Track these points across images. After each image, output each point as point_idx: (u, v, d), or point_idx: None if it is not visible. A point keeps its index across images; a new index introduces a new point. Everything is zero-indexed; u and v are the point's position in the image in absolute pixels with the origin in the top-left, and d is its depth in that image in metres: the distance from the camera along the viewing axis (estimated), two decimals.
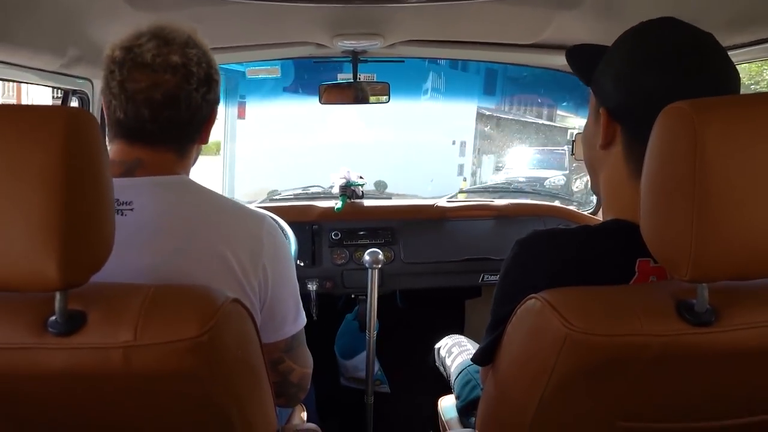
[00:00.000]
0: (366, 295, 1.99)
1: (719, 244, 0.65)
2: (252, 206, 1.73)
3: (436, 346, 1.70)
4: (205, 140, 1.07)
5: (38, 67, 1.33)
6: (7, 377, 0.72)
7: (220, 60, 2.32)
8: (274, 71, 2.64)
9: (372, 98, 2.16)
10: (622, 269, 0.84)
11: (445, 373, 1.61)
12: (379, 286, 1.97)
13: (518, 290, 0.83)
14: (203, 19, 1.62)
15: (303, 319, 1.14)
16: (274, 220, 1.82)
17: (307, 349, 1.21)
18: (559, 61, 2.02)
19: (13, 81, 1.43)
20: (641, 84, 0.84)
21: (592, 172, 1.01)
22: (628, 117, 0.87)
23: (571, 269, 0.84)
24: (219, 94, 1.06)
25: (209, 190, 1.03)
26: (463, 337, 1.67)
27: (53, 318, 0.69)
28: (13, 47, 1.22)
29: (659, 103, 0.71)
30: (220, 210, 1.01)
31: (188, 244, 0.93)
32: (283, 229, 1.86)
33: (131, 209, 0.90)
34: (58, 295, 0.68)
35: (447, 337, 1.69)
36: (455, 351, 1.59)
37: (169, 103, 0.95)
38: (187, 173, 1.06)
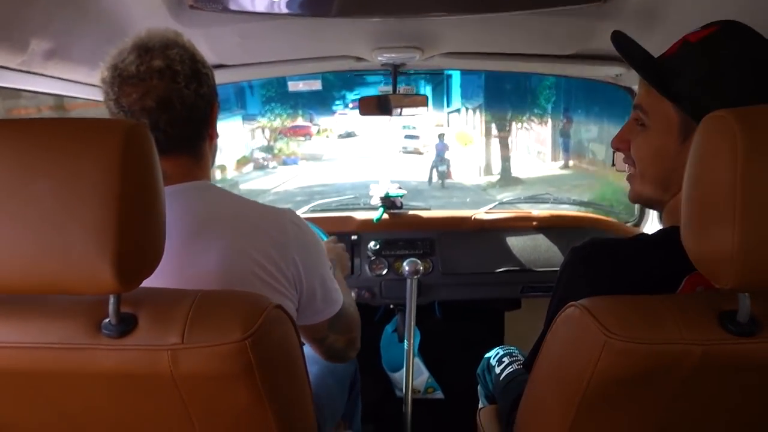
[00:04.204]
0: (404, 306, 2.00)
1: (762, 252, 0.64)
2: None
3: (486, 355, 1.69)
4: (214, 135, 1.10)
5: (96, 84, 1.40)
6: (62, 375, 0.76)
7: (262, 74, 2.38)
8: (315, 84, 2.69)
9: (410, 110, 2.17)
10: (671, 280, 0.83)
11: (490, 383, 1.60)
12: (417, 297, 1.98)
13: (571, 298, 0.82)
14: (248, 35, 1.67)
15: (339, 299, 1.18)
16: (311, 227, 1.85)
17: (350, 314, 1.25)
18: (601, 71, 2.01)
19: (76, 97, 1.50)
20: (738, 92, 0.84)
21: (662, 187, 0.98)
22: None
23: (623, 279, 0.84)
24: (213, 87, 1.08)
25: (231, 193, 1.07)
26: (514, 347, 1.66)
27: (107, 320, 0.73)
28: (72, 64, 1.28)
29: None
30: (245, 212, 1.04)
31: (220, 243, 0.97)
32: (322, 235, 1.89)
33: None
34: (111, 299, 0.71)
35: (498, 347, 1.68)
36: (506, 360, 1.57)
37: (163, 106, 0.98)
38: (208, 176, 1.10)
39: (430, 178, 13.62)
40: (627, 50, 1.00)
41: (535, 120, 14.27)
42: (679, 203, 0.92)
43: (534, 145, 14.63)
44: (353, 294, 2.20)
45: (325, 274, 1.12)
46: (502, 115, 15.38)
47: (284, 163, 20.64)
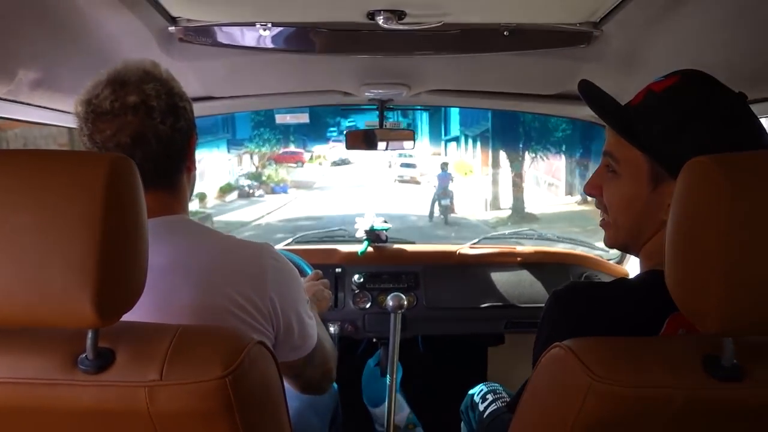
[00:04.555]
0: (388, 340, 1.98)
1: (746, 297, 0.65)
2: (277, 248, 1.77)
3: (471, 392, 1.68)
4: (191, 167, 1.08)
5: None
6: (36, 411, 0.74)
7: (250, 107, 2.40)
8: (302, 117, 2.71)
9: (396, 144, 2.19)
10: (652, 323, 0.83)
11: (474, 421, 1.58)
12: (401, 331, 1.97)
13: (553, 341, 0.82)
14: (237, 68, 1.69)
15: (314, 335, 1.16)
16: (296, 259, 1.84)
17: (326, 347, 1.23)
18: (582, 111, 2.05)
19: (66, 127, 1.50)
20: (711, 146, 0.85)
21: (635, 233, 0.98)
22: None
23: (604, 325, 0.84)
24: (191, 120, 1.06)
25: (208, 228, 1.06)
26: (498, 384, 1.65)
27: (83, 355, 0.71)
28: (60, 95, 1.28)
29: None
30: (222, 242, 1.04)
31: (197, 277, 0.96)
32: (306, 267, 1.88)
33: None
34: (90, 333, 0.70)
35: (482, 383, 1.67)
36: (490, 398, 1.56)
37: (138, 142, 0.96)
38: (185, 208, 1.08)
39: (432, 212, 12.66)
40: (594, 98, 1.02)
41: (548, 149, 13.04)
42: (656, 246, 0.93)
43: (544, 176, 13.65)
44: (336, 327, 2.18)
45: (302, 310, 1.10)
46: (510, 143, 14.03)
47: (273, 191, 19.80)
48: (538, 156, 13.43)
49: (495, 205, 13.89)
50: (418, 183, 19.44)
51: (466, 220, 12.78)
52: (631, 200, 0.96)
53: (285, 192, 19.67)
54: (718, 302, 0.65)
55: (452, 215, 12.77)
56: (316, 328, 1.17)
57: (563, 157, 12.91)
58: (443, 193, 12.65)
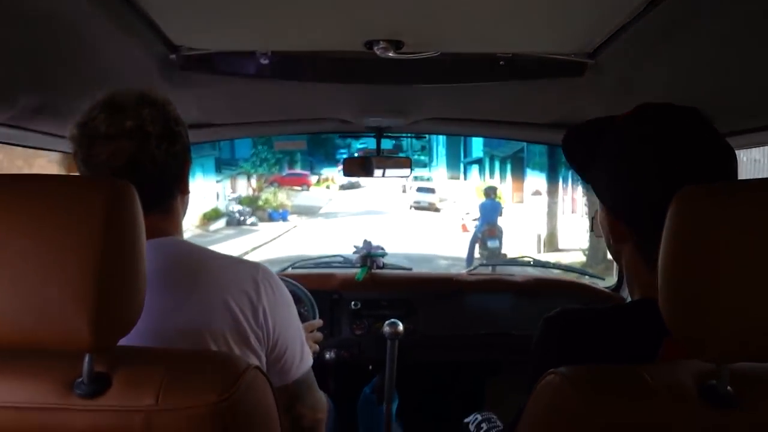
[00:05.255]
0: (384, 367, 1.97)
1: (740, 325, 0.66)
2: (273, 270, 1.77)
3: (465, 420, 1.66)
4: (185, 190, 1.08)
5: None
6: None
7: (250, 133, 2.41)
8: (300, 144, 2.73)
9: (393, 171, 2.21)
10: (647, 350, 0.83)
11: None
12: (397, 358, 1.96)
13: (546, 368, 0.82)
14: (237, 96, 1.71)
15: (308, 362, 1.15)
16: (294, 285, 1.85)
17: (320, 393, 1.22)
18: None
19: (64, 151, 1.50)
20: (637, 187, 0.86)
21: (612, 252, 1.02)
22: (634, 220, 0.88)
23: (597, 351, 0.84)
24: (186, 143, 1.06)
25: (202, 247, 1.06)
26: (492, 414, 1.64)
27: (79, 380, 0.71)
28: (61, 120, 1.29)
29: (659, 203, 0.73)
30: (216, 262, 1.04)
31: (191, 297, 0.96)
32: (303, 295, 1.88)
33: None
34: (86, 357, 0.70)
35: (476, 412, 1.66)
36: (484, 426, 1.55)
37: (133, 167, 0.96)
38: (179, 231, 1.08)
39: (471, 255, 8.90)
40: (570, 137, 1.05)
41: None
42: (628, 273, 0.94)
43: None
44: (332, 353, 2.17)
45: (294, 333, 1.10)
46: (555, 165, 11.06)
47: (270, 218, 17.58)
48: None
49: (551, 244, 10.90)
50: (437, 210, 17.45)
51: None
52: (603, 225, 0.99)
53: (284, 219, 17.73)
54: (713, 330, 0.66)
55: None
56: (311, 359, 1.17)
57: None
58: (490, 231, 8.76)
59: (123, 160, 0.96)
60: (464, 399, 2.57)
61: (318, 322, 1.66)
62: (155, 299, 0.93)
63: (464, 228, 13.11)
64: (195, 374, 0.74)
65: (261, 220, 16.90)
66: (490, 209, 9.25)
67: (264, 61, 1.43)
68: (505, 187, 15.56)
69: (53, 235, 0.67)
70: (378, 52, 1.28)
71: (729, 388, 0.70)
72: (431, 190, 18.38)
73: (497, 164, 17.22)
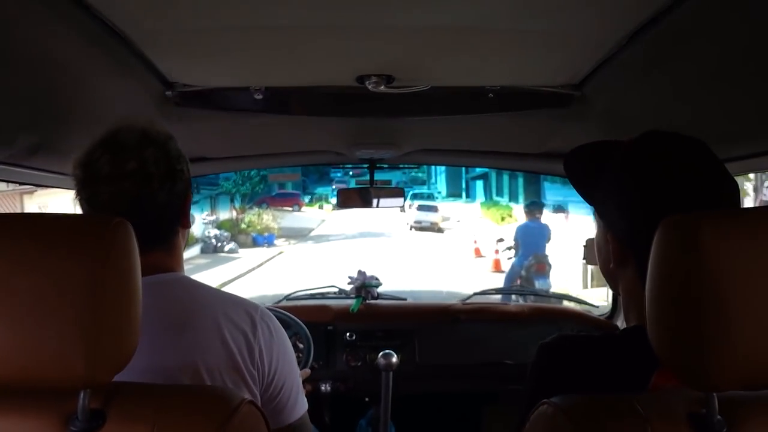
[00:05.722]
0: (380, 399, 1.95)
1: (727, 353, 0.66)
2: (267, 306, 1.77)
3: None
4: (186, 225, 1.09)
5: None
6: None
7: (244, 167, 2.43)
8: (294, 176, 2.76)
9: (387, 202, 2.23)
10: (641, 377, 0.84)
11: None
12: (393, 390, 1.94)
13: (541, 396, 0.82)
14: (232, 131, 1.74)
15: (302, 406, 1.14)
16: (293, 320, 1.85)
17: None
18: None
19: (62, 188, 1.51)
20: (643, 211, 0.86)
21: (610, 280, 1.02)
22: (638, 243, 0.87)
23: (590, 377, 0.85)
24: (188, 179, 1.07)
25: (203, 284, 1.07)
26: None
27: (75, 416, 0.71)
28: (59, 157, 1.31)
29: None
30: (215, 300, 1.04)
31: (187, 334, 0.96)
32: (301, 330, 1.88)
33: None
34: (81, 394, 0.70)
35: None
36: None
37: (134, 209, 0.96)
38: (180, 266, 1.08)
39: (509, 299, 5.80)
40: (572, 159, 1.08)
41: None
42: (625, 300, 0.95)
43: None
44: (328, 385, 2.15)
45: (289, 376, 1.09)
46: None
47: (255, 242, 15.91)
48: None
49: (602, 279, 7.28)
50: (440, 231, 15.72)
51: None
52: (599, 250, 1.00)
53: (270, 243, 15.84)
54: (700, 359, 0.66)
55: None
56: (306, 406, 1.15)
57: None
58: (538, 267, 6.09)
59: (125, 201, 0.97)
60: (461, 430, 2.55)
61: (306, 371, 1.67)
62: (153, 337, 0.92)
63: (477, 252, 12.13)
64: (189, 409, 0.74)
65: (243, 245, 15.18)
66: (535, 234, 6.40)
67: (258, 97, 1.46)
68: (518, 206, 14.06)
69: (48, 273, 0.67)
70: (369, 87, 1.31)
71: (719, 416, 0.70)
72: (433, 209, 17.03)
73: (505, 179, 15.58)
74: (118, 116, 1.29)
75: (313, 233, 16.98)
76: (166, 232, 1.05)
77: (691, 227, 0.67)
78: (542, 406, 0.79)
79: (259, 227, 16.96)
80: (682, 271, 0.68)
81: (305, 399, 1.16)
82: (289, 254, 13.92)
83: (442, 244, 13.19)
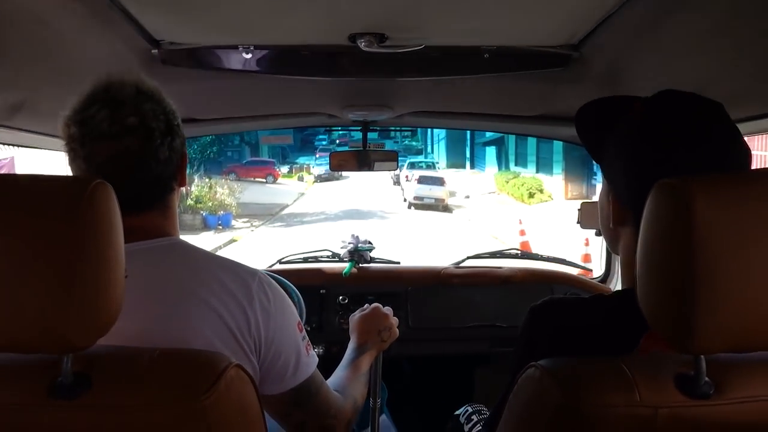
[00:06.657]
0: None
1: (715, 316, 0.66)
2: (260, 269, 1.76)
3: (456, 412, 1.67)
4: (182, 183, 1.06)
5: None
6: None
7: (233, 129, 2.40)
8: (286, 139, 2.72)
9: (381, 165, 2.21)
10: (627, 340, 0.84)
11: None
12: (385, 352, 1.96)
13: (529, 358, 0.83)
14: (221, 91, 1.70)
15: (305, 372, 1.10)
16: (283, 282, 1.84)
17: (329, 398, 1.16)
18: (565, 132, 2.08)
19: (43, 148, 1.48)
20: (648, 172, 0.84)
21: (609, 241, 1.01)
22: (639, 203, 0.85)
23: (579, 339, 0.85)
24: (183, 136, 1.04)
25: (200, 249, 1.03)
26: (482, 405, 1.65)
27: (59, 380, 0.70)
28: (40, 117, 1.28)
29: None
30: (211, 267, 1.01)
31: (182, 305, 0.94)
32: (292, 292, 1.87)
33: (125, 276, 0.88)
34: (65, 358, 0.69)
35: (467, 405, 1.66)
36: (474, 419, 1.56)
37: (137, 165, 0.94)
38: (175, 228, 1.06)
39: None
40: (583, 116, 1.05)
41: None
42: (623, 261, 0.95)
43: None
44: (320, 349, 2.16)
45: (288, 341, 1.07)
46: None
47: (205, 224, 12.12)
48: None
49: None
50: (448, 210, 12.50)
51: None
52: (601, 210, 1.00)
53: (226, 225, 12.16)
54: (689, 322, 0.66)
55: None
56: (311, 367, 1.12)
57: None
58: None
59: (128, 158, 0.93)
60: (453, 391, 2.58)
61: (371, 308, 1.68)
62: (148, 303, 0.91)
63: (525, 245, 8.87)
64: (175, 372, 0.74)
65: (190, 228, 11.13)
66: None
67: (247, 56, 1.42)
68: (553, 179, 11.06)
69: (27, 235, 0.66)
70: (362, 46, 1.27)
71: (707, 378, 0.70)
72: (439, 181, 13.33)
73: (531, 145, 11.75)
74: (102, 74, 1.25)
75: (285, 211, 13.20)
76: (163, 190, 1.01)
77: (683, 191, 0.67)
78: (530, 368, 0.79)
79: (210, 204, 12.84)
80: (672, 234, 0.67)
81: (313, 358, 1.12)
82: (246, 242, 9.97)
83: (452, 228, 9.92)
